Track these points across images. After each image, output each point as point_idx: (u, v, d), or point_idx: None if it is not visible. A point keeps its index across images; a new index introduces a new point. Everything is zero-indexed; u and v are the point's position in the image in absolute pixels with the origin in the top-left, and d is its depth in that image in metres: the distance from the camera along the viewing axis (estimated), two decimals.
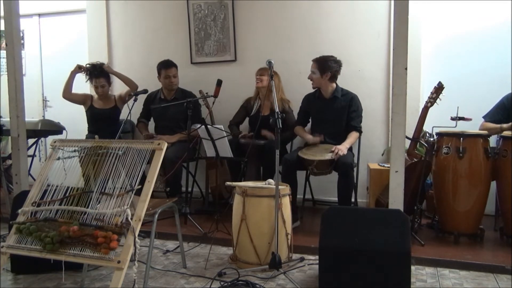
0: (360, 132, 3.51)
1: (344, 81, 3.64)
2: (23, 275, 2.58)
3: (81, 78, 4.11)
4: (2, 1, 3.33)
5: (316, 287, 2.36)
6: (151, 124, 4.24)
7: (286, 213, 2.69)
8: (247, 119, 4.02)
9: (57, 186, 2.09)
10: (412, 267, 2.46)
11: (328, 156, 3.19)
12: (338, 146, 3.24)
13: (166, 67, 3.96)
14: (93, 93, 4.21)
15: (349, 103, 3.47)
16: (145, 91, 3.85)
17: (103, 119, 4.09)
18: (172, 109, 3.91)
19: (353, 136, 3.43)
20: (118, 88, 4.58)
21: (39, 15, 5.22)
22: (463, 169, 2.98)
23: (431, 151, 3.16)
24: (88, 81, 4.11)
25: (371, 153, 3.92)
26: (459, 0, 3.76)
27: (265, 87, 3.74)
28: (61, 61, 5.10)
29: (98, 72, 4.03)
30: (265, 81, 3.73)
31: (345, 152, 3.23)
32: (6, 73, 3.33)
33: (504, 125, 3.20)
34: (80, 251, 1.88)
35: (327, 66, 3.39)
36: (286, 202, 2.71)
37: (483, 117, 3.36)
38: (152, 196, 2.18)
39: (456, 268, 2.64)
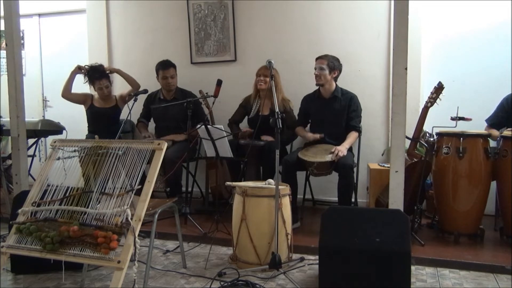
0: (359, 132, 3.51)
1: (344, 81, 3.64)
2: (23, 275, 2.58)
3: (80, 78, 4.11)
4: (2, 1, 3.33)
5: (316, 287, 2.36)
6: (151, 125, 4.24)
7: (286, 213, 2.69)
8: (246, 118, 4.02)
9: (57, 186, 2.09)
10: (412, 267, 2.46)
11: (328, 158, 3.18)
12: (338, 147, 3.24)
13: (163, 68, 3.95)
14: (93, 92, 4.21)
15: (348, 103, 3.47)
16: (145, 91, 3.85)
17: (104, 118, 4.09)
18: (172, 109, 3.91)
19: (352, 136, 3.43)
20: (119, 88, 4.58)
21: (39, 15, 5.22)
22: (463, 169, 2.97)
23: (431, 151, 3.16)
24: (87, 83, 4.10)
25: (371, 153, 3.92)
26: (459, 0, 3.76)
27: (265, 89, 3.73)
28: (61, 61, 5.10)
29: (99, 74, 4.03)
30: (267, 83, 3.70)
31: (345, 153, 3.23)
32: (6, 73, 3.33)
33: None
34: (80, 251, 1.88)
35: (336, 64, 3.42)
36: (286, 202, 2.71)
37: (486, 120, 3.37)
38: (152, 196, 2.18)
39: (456, 268, 2.64)
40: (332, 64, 3.41)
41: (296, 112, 3.79)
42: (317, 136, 3.45)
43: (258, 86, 3.78)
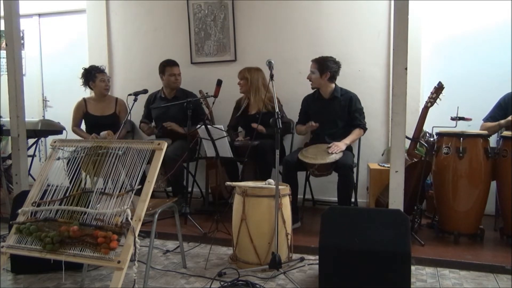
0: (364, 129, 3.51)
1: (344, 81, 3.64)
2: (23, 275, 2.58)
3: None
4: (2, 1, 3.33)
5: (316, 287, 2.36)
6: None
7: (286, 213, 2.69)
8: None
9: (57, 186, 2.09)
10: (412, 267, 2.46)
11: (329, 159, 3.18)
12: (336, 143, 3.28)
13: (171, 65, 4.01)
14: (88, 94, 4.18)
15: (348, 103, 3.48)
16: (144, 91, 3.85)
17: (101, 126, 4.00)
18: (173, 109, 3.91)
19: (355, 133, 3.44)
20: (119, 88, 4.58)
21: (39, 15, 5.21)
22: (463, 169, 2.97)
23: (431, 151, 3.16)
24: (85, 86, 4.09)
25: (371, 153, 3.92)
26: (459, 0, 3.76)
27: (245, 92, 3.81)
28: (61, 61, 5.11)
29: (97, 70, 4.03)
30: (243, 86, 3.79)
31: (342, 147, 3.25)
32: (6, 73, 3.33)
33: (502, 121, 3.21)
34: (80, 251, 1.88)
35: (326, 66, 3.40)
36: (286, 202, 2.71)
37: (483, 119, 3.37)
38: (152, 196, 2.18)
39: (456, 268, 2.64)
40: (321, 67, 3.41)
41: (285, 108, 3.82)
42: (313, 124, 3.43)
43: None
